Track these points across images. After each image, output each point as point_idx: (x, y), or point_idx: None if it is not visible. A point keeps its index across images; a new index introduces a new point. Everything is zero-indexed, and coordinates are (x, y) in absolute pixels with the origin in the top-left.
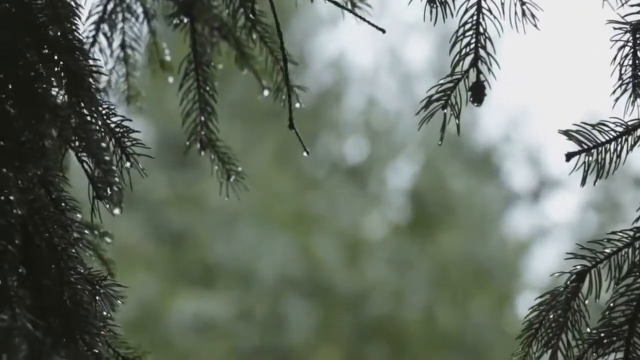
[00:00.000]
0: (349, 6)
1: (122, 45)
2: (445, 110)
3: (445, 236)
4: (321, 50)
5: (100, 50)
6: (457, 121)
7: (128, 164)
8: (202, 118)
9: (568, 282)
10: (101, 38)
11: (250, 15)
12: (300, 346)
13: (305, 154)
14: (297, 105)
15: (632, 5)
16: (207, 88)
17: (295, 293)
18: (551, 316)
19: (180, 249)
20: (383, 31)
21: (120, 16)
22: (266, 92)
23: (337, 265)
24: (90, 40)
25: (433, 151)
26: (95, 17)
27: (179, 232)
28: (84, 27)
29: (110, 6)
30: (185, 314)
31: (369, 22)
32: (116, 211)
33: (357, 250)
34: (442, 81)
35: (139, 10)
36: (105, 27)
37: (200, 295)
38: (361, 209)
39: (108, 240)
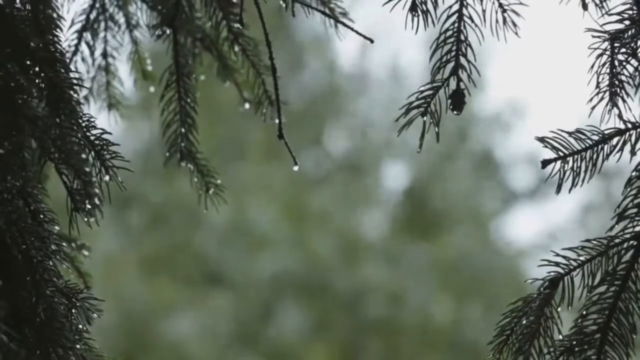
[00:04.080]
0: (333, 21)
1: (104, 54)
2: (424, 118)
3: (443, 235)
4: (320, 50)
5: (83, 59)
6: (436, 129)
7: (107, 177)
8: (183, 130)
9: (541, 289)
10: (83, 47)
11: (239, 26)
12: (296, 345)
13: (295, 167)
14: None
15: (610, 14)
16: (188, 100)
17: (291, 292)
18: (524, 322)
19: (175, 247)
20: (371, 41)
21: (102, 25)
22: (247, 105)
23: (334, 264)
24: (73, 48)
25: (432, 150)
26: (78, 26)
27: (174, 229)
28: (67, 36)
29: (93, 15)
30: (182, 314)
31: (358, 33)
32: (94, 222)
33: (355, 249)
34: (422, 88)
35: (122, 19)
36: (88, 35)
37: (197, 295)
38: (359, 207)
39: (85, 252)
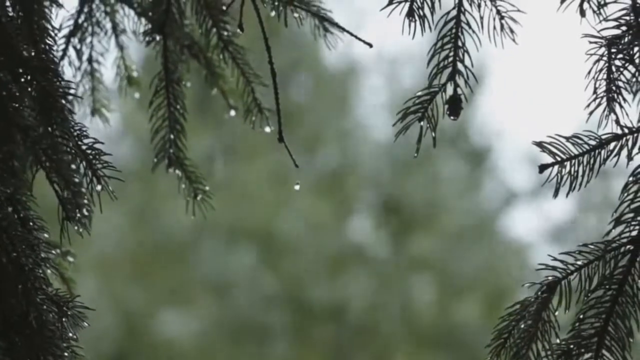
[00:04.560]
0: (322, 32)
1: (89, 59)
2: (421, 123)
3: (430, 238)
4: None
5: (70, 63)
6: (433, 134)
7: (99, 187)
8: (172, 136)
9: (539, 293)
10: (71, 51)
11: (232, 30)
12: (287, 348)
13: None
14: (267, 129)
15: (607, 20)
16: (177, 106)
17: (278, 296)
18: (522, 326)
19: (159, 263)
20: (370, 45)
21: (89, 30)
22: (233, 112)
23: (321, 270)
24: (60, 53)
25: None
26: (66, 31)
27: (159, 245)
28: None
29: (80, 20)
30: (164, 327)
31: (356, 37)
32: (85, 232)
33: (340, 255)
34: (419, 93)
35: (108, 25)
36: (75, 40)
37: (178, 308)
38: (345, 209)
39: (70, 259)
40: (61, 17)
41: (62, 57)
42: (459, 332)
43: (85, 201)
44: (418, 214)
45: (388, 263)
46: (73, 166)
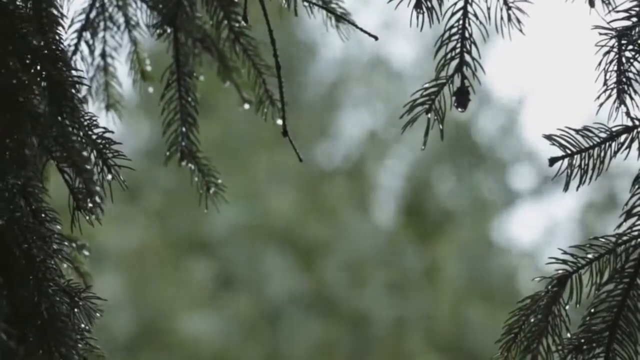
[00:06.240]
0: (335, 21)
1: (103, 54)
2: (429, 115)
3: (444, 242)
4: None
5: (82, 58)
6: (440, 126)
7: (109, 176)
8: (183, 129)
9: (549, 287)
10: (83, 46)
11: (240, 25)
12: (306, 349)
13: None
14: (280, 121)
15: (617, 11)
16: (189, 99)
17: (297, 309)
18: (532, 320)
19: (186, 262)
20: (375, 38)
21: (102, 25)
22: (247, 106)
23: (339, 281)
24: (72, 48)
25: (429, 153)
26: (77, 25)
27: (186, 243)
28: (66, 35)
29: (92, 14)
30: (189, 329)
31: (361, 29)
32: (96, 221)
33: (359, 265)
34: (426, 85)
35: (121, 19)
36: (87, 35)
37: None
38: (358, 214)
39: (86, 252)
40: (72, 12)
41: (74, 52)
42: (474, 339)
43: (98, 188)
44: (439, 220)
45: (407, 268)
46: (84, 153)
